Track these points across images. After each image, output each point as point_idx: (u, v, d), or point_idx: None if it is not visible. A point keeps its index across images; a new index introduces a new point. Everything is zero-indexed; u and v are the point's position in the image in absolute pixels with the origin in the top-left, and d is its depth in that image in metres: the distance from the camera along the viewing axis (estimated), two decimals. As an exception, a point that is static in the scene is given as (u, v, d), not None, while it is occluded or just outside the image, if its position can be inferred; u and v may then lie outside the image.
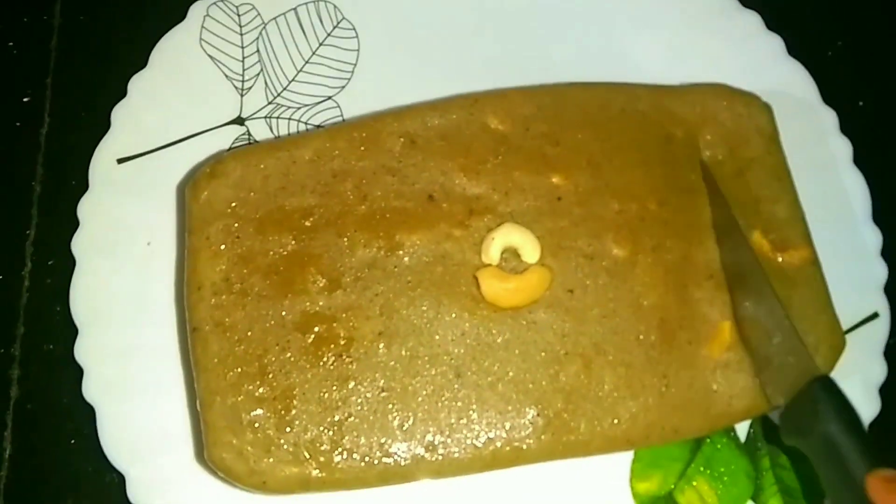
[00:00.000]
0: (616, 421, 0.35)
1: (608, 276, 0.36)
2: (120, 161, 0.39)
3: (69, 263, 0.37)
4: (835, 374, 0.36)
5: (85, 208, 0.38)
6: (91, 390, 0.36)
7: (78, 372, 0.36)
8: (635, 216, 0.36)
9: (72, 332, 0.36)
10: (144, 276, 0.38)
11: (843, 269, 0.39)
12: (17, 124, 0.42)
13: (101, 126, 0.39)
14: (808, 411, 0.32)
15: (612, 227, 0.36)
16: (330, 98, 0.42)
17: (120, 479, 0.35)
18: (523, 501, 0.37)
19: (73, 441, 0.38)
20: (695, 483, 0.38)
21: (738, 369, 0.35)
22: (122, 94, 0.39)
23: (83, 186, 0.38)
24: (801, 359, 0.33)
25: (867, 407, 0.38)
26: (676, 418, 0.35)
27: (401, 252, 0.35)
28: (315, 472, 0.33)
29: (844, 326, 0.38)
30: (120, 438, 0.35)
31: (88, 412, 0.36)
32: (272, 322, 0.34)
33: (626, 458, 0.38)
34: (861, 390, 0.38)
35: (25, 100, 0.42)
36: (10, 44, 0.43)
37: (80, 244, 0.37)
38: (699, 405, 0.35)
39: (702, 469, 0.38)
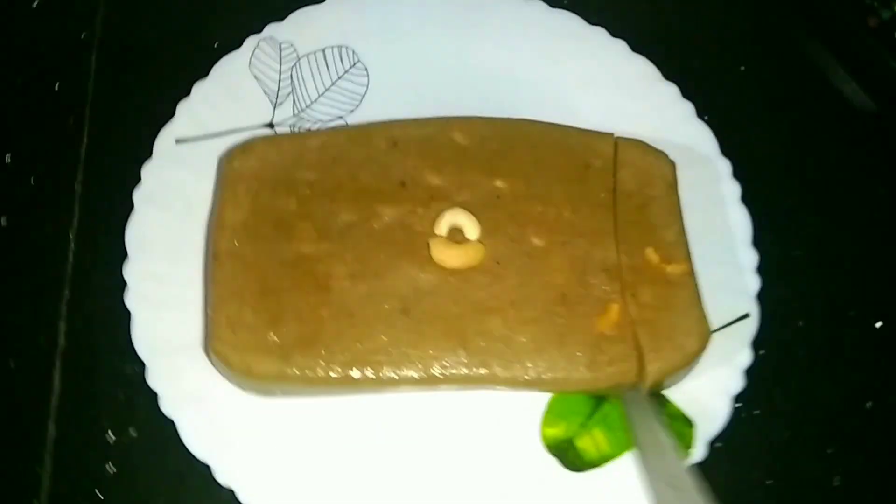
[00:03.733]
0: (522, 364, 0.44)
1: (527, 257, 0.46)
2: (177, 141, 0.51)
3: (104, 244, 0.49)
4: (711, 361, 0.46)
5: (146, 170, 0.50)
6: (130, 300, 0.47)
7: (112, 325, 0.47)
8: (552, 217, 0.47)
9: (107, 294, 0.48)
10: (183, 224, 0.49)
11: (725, 280, 0.49)
12: (63, 144, 0.53)
13: (127, 143, 0.52)
14: None
15: (534, 223, 0.47)
16: (342, 118, 0.54)
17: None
18: (456, 429, 0.46)
19: (110, 375, 0.48)
20: (592, 431, 0.47)
21: (618, 342, 0.45)
22: (142, 118, 0.53)
23: (115, 187, 0.50)
24: None
25: (733, 382, 0.47)
26: (568, 370, 0.44)
27: (375, 219, 0.47)
28: (290, 369, 0.43)
29: (722, 323, 0.48)
30: (147, 338, 0.46)
31: (121, 356, 0.46)
32: (273, 257, 0.45)
33: (539, 408, 0.47)
34: (729, 370, 0.47)
35: (70, 122, 0.54)
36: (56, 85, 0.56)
37: (139, 195, 0.49)
38: (585, 363, 0.44)
39: (600, 421, 0.47)
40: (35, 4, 0.59)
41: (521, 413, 0.47)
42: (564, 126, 0.51)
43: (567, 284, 0.46)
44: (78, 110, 0.55)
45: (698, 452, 0.46)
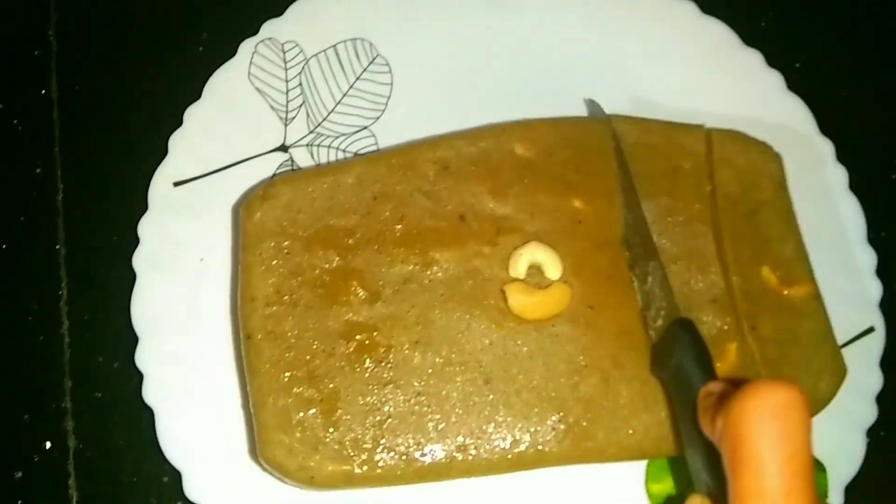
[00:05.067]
0: (631, 431, 0.37)
1: (624, 296, 0.39)
2: (176, 184, 0.42)
3: (103, 315, 0.42)
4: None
5: (144, 227, 0.41)
6: (150, 394, 0.39)
7: (129, 414, 0.40)
8: None
9: (117, 379, 0.41)
10: (198, 289, 0.41)
11: (841, 287, 0.42)
12: (34, 195, 0.44)
13: (113, 185, 0.44)
14: (669, 346, 0.35)
15: None
16: (366, 128, 0.45)
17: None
18: (545, 500, 0.40)
19: (134, 479, 0.41)
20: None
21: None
22: (127, 155, 0.44)
23: (105, 242, 0.43)
24: (670, 304, 0.37)
25: (866, 414, 0.41)
26: None
27: (435, 267, 0.38)
28: (357, 469, 0.36)
29: (843, 339, 0.41)
30: (177, 438, 0.38)
31: (144, 452, 0.40)
32: (319, 330, 0.37)
33: (640, 461, 0.41)
34: (860, 398, 0.41)
35: (38, 171, 0.45)
36: (15, 121, 0.45)
37: (140, 260, 0.41)
38: (707, 420, 0.38)
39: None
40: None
41: (620, 467, 0.40)
42: (644, 120, 0.42)
43: (674, 325, 0.38)
44: (46, 154, 0.45)
45: (835, 501, 0.40)
